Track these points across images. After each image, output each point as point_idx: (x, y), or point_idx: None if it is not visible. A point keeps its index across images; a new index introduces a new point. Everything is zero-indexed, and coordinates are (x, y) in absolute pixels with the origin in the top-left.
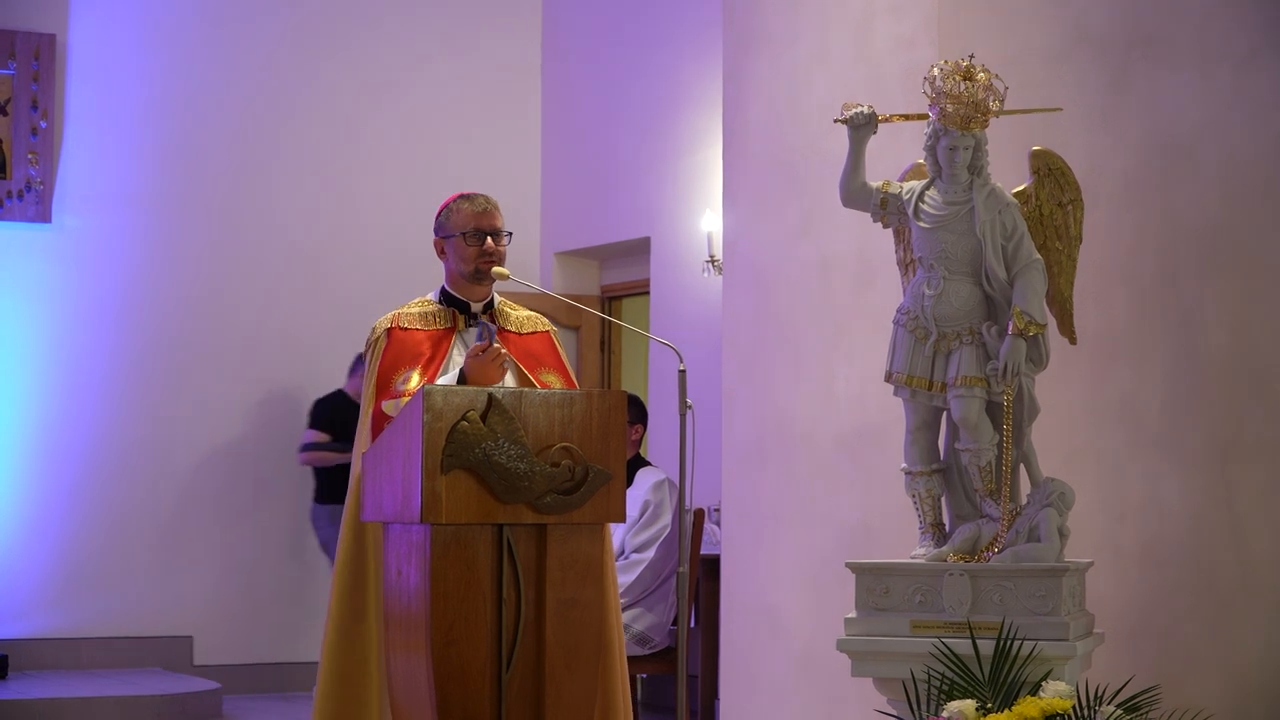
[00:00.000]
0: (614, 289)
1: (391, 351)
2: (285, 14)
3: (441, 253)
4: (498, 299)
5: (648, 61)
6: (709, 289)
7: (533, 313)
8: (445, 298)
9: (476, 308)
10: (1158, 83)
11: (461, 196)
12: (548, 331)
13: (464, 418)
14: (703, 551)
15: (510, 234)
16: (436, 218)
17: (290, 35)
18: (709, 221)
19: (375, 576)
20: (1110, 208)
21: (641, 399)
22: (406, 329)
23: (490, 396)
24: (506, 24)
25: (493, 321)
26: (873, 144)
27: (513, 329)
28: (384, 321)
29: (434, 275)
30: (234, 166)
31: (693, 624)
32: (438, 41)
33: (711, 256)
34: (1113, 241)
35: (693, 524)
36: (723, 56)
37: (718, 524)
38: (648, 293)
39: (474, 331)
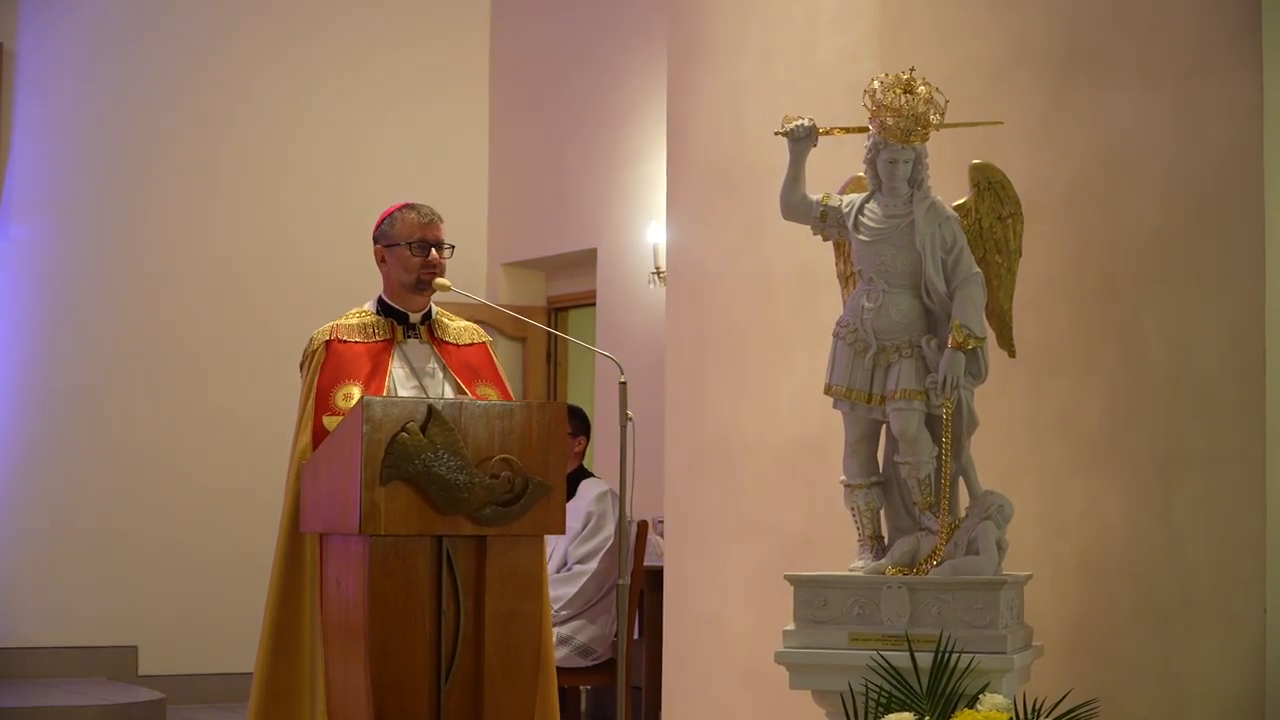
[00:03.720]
0: (560, 300)
1: (330, 365)
2: (234, 25)
3: (382, 260)
4: (435, 309)
5: (594, 73)
6: (655, 300)
7: (469, 323)
8: (383, 308)
9: (415, 318)
10: (1100, 97)
11: (406, 206)
12: (484, 343)
13: (404, 429)
14: (646, 563)
15: (453, 247)
16: (378, 225)
17: (239, 46)
18: (655, 233)
19: (310, 588)
20: (1052, 221)
21: (586, 410)
22: (345, 341)
23: (430, 408)
24: (453, 36)
25: (430, 332)
26: (815, 157)
27: (450, 340)
28: (322, 333)
29: (379, 286)
30: (183, 176)
31: (637, 636)
32: (384, 53)
33: (657, 268)
34: (1054, 255)
35: (636, 535)
36: (667, 68)
37: (662, 535)
38: (594, 304)
39: (412, 343)
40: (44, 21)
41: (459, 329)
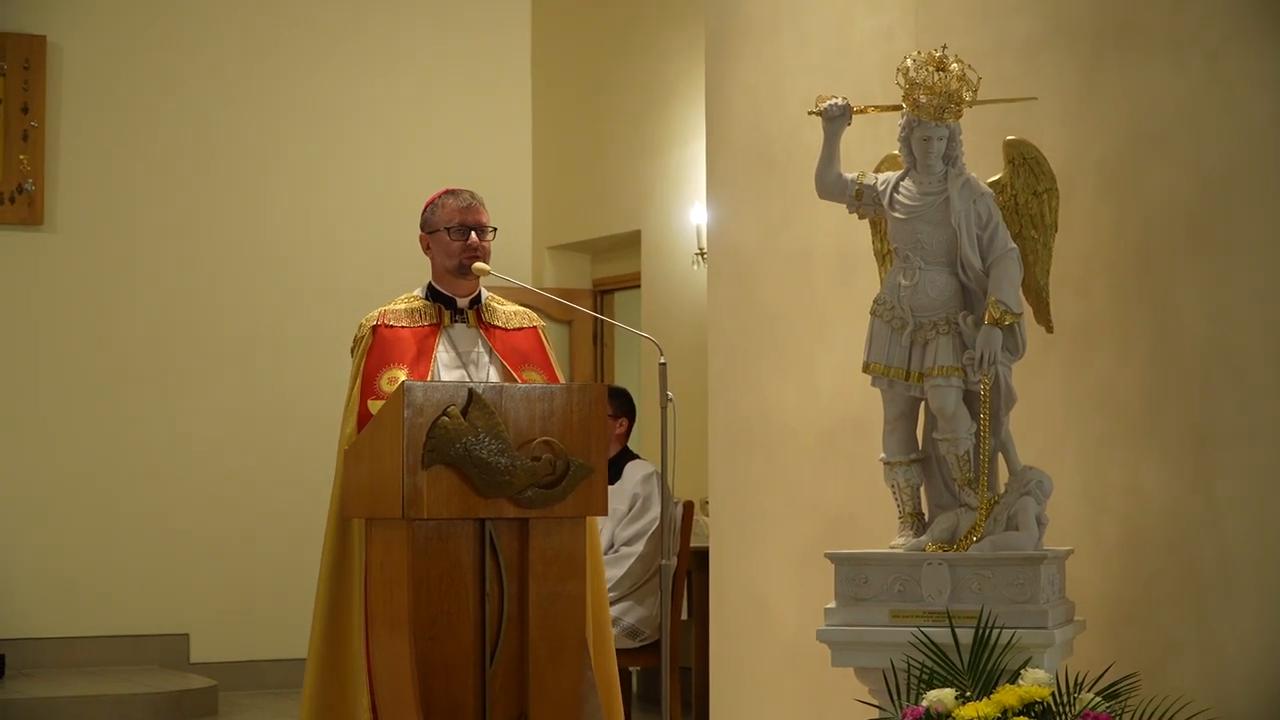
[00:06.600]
0: (605, 282)
1: (377, 350)
2: (275, 12)
3: (427, 248)
4: (485, 294)
5: (636, 57)
6: (699, 282)
7: (521, 308)
8: (432, 293)
9: (463, 303)
10: (1132, 71)
11: (447, 192)
12: (535, 328)
13: (444, 413)
14: (693, 544)
15: (495, 229)
16: (422, 213)
17: (280, 32)
18: (698, 215)
19: (360, 572)
20: (1087, 196)
21: (631, 392)
22: (393, 326)
23: (471, 391)
24: (496, 19)
25: (479, 317)
26: (853, 135)
27: (500, 324)
28: (371, 319)
29: (425, 272)
30: (229, 165)
31: (686, 616)
32: (428, 41)
33: (701, 249)
34: (1089, 230)
35: (682, 516)
36: (705, 50)
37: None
38: (639, 286)
39: (459, 327)
40: (85, 13)
41: (509, 313)
